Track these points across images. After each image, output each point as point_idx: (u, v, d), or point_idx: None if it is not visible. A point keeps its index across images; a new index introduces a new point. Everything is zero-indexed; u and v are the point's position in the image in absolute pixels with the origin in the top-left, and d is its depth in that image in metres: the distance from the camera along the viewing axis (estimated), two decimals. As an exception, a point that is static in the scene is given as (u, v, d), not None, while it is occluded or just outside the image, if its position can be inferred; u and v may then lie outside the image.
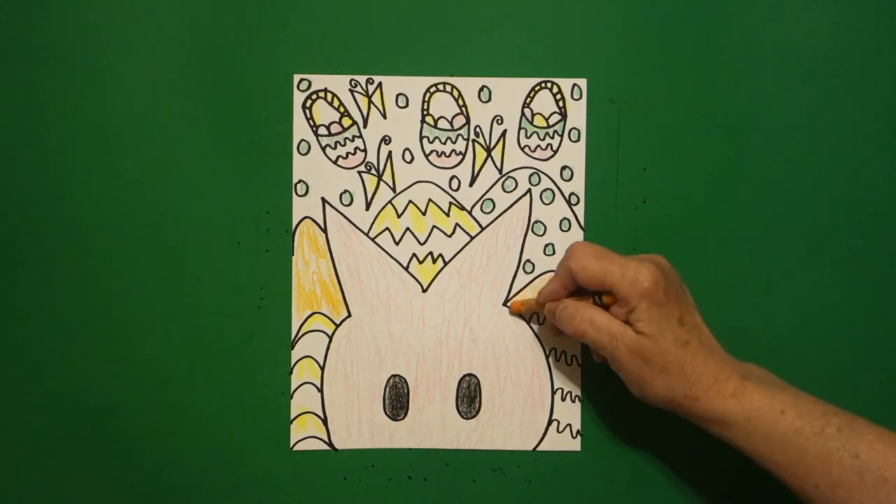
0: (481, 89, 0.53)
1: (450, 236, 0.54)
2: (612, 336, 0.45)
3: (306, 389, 0.54)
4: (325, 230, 0.53)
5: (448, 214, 0.54)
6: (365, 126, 0.53)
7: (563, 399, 0.54)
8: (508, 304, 0.53)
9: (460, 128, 0.53)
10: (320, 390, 0.54)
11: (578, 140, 0.53)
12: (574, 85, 0.53)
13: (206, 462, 0.53)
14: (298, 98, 0.53)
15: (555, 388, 0.54)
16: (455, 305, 0.54)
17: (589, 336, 0.46)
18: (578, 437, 0.54)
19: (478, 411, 0.54)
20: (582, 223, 0.53)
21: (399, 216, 0.53)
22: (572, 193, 0.53)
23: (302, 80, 0.53)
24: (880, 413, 0.54)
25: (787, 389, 0.44)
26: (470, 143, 0.53)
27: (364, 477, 0.54)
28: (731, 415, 0.44)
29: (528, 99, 0.53)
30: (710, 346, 0.46)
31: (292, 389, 0.53)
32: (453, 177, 0.53)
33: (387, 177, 0.53)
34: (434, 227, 0.54)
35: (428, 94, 0.53)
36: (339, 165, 0.53)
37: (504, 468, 0.54)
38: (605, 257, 0.46)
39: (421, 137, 0.53)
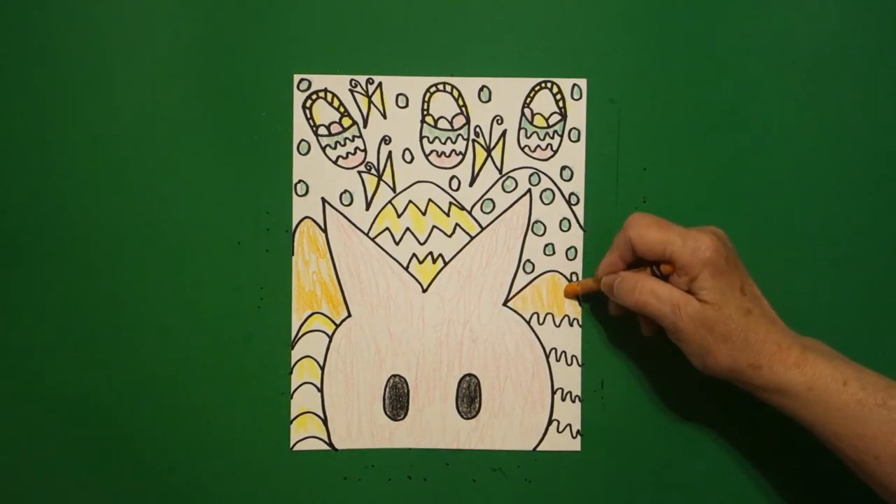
0: (481, 89, 0.53)
1: (450, 236, 0.54)
2: (675, 305, 0.45)
3: (306, 389, 0.54)
4: (325, 230, 0.53)
5: (448, 214, 0.54)
6: (365, 126, 0.53)
7: (563, 399, 0.54)
8: (564, 288, 0.53)
9: (460, 128, 0.53)
10: (320, 390, 0.54)
11: (578, 140, 0.53)
12: (574, 85, 0.53)
13: (206, 462, 0.53)
14: (298, 98, 0.53)
15: (555, 388, 0.54)
16: (455, 305, 0.54)
17: (650, 307, 0.46)
18: (578, 437, 0.54)
19: (478, 411, 0.54)
20: (582, 223, 0.53)
21: (399, 216, 0.53)
22: (572, 193, 0.53)
23: (302, 80, 0.53)
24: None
25: (850, 363, 0.44)
26: (470, 143, 0.53)
27: (364, 477, 0.54)
28: (793, 384, 0.43)
29: (528, 99, 0.53)
30: (772, 317, 0.46)
31: (292, 389, 0.53)
32: (453, 177, 0.53)
33: (387, 177, 0.53)
34: (434, 227, 0.54)
35: (428, 94, 0.53)
36: (339, 165, 0.53)
37: (504, 468, 0.54)
38: (664, 226, 0.46)
39: (421, 137, 0.53)
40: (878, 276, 0.53)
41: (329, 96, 0.53)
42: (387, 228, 0.54)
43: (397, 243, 0.54)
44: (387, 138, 0.53)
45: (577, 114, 0.53)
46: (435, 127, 0.53)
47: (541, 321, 0.54)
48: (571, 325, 0.54)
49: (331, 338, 0.54)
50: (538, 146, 0.53)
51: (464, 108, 0.53)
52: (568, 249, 0.53)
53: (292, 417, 0.54)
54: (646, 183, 0.53)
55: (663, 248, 0.46)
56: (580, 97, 0.53)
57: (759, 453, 0.53)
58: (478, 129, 0.53)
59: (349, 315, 0.54)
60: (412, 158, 0.53)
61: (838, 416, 0.42)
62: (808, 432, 0.44)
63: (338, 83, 0.53)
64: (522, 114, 0.53)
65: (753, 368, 0.44)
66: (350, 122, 0.53)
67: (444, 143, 0.53)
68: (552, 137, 0.53)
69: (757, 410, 0.52)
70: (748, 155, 0.53)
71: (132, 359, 0.53)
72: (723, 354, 0.45)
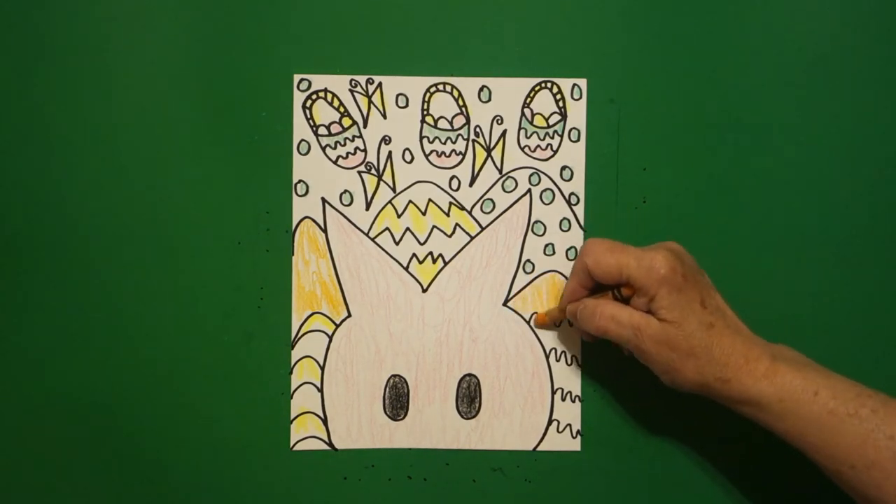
0: (481, 89, 0.53)
1: (450, 236, 0.54)
2: (636, 328, 0.45)
3: (306, 389, 0.54)
4: (325, 230, 0.53)
5: (448, 214, 0.54)
6: (365, 126, 0.53)
7: (563, 399, 0.54)
8: (531, 320, 0.53)
9: (460, 128, 0.53)
10: (320, 390, 0.54)
11: (578, 140, 0.53)
12: (574, 85, 0.53)
13: (206, 462, 0.53)
14: (298, 98, 0.53)
15: (555, 388, 0.54)
16: (455, 305, 0.54)
17: (611, 332, 0.46)
18: (578, 437, 0.54)
19: (478, 411, 0.54)
20: (582, 223, 0.53)
21: (399, 216, 0.53)
22: (572, 193, 0.53)
23: (302, 80, 0.53)
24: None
25: (820, 370, 0.44)
26: (470, 143, 0.53)
27: (364, 477, 0.54)
28: (763, 396, 0.43)
29: (528, 99, 0.53)
30: (736, 327, 0.45)
31: (292, 389, 0.53)
32: (453, 177, 0.53)
33: (387, 177, 0.53)
34: (434, 227, 0.54)
35: (428, 94, 0.53)
36: (339, 165, 0.53)
37: (504, 468, 0.54)
38: (618, 250, 0.46)
39: (421, 137, 0.53)
40: (879, 276, 0.53)
41: (329, 96, 0.53)
42: (387, 228, 0.54)
43: (397, 243, 0.54)
44: (387, 138, 0.53)
45: (577, 114, 0.53)
46: (435, 127, 0.53)
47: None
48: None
49: (331, 338, 0.54)
50: (538, 146, 0.53)
51: (464, 108, 0.53)
52: (568, 249, 0.53)
53: (292, 417, 0.54)
54: (646, 183, 0.53)
55: (619, 272, 0.45)
56: (580, 97, 0.53)
57: (760, 453, 0.53)
58: (478, 129, 0.53)
59: (349, 315, 0.54)
60: (412, 158, 0.53)
61: (811, 427, 0.42)
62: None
63: (338, 83, 0.53)
64: (522, 114, 0.53)
65: (721, 382, 0.44)
66: (350, 122, 0.53)
67: (444, 143, 0.53)
68: (552, 137, 0.53)
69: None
70: (748, 155, 0.53)
71: (132, 359, 0.53)
72: (689, 371, 0.44)
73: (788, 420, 0.43)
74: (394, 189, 0.53)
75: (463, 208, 0.54)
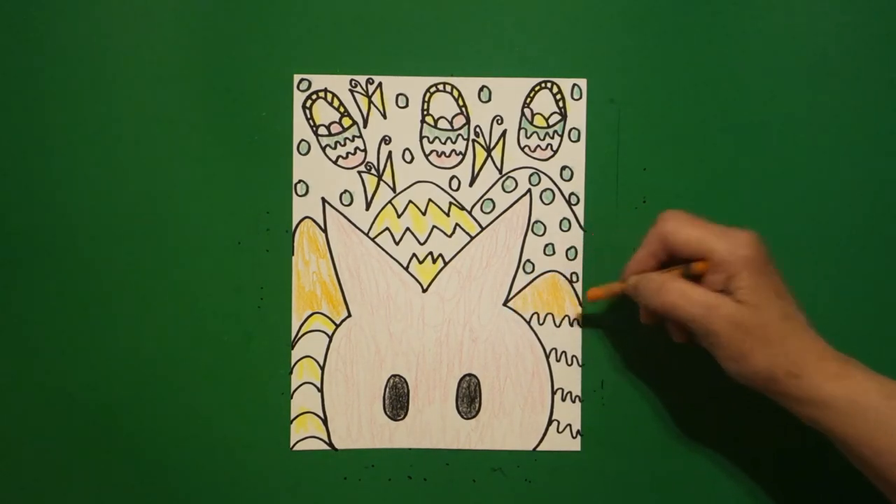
0: (481, 89, 0.53)
1: (450, 236, 0.54)
2: (709, 307, 0.42)
3: (306, 389, 0.54)
4: (325, 230, 0.53)
5: (448, 214, 0.54)
6: (365, 126, 0.53)
7: (563, 399, 0.54)
8: (586, 292, 0.51)
9: (460, 128, 0.53)
10: (320, 390, 0.54)
11: (578, 140, 0.53)
12: (574, 85, 0.53)
13: (206, 462, 0.53)
14: (298, 98, 0.53)
15: (555, 388, 0.54)
16: (455, 305, 0.54)
17: (679, 308, 0.43)
18: (578, 437, 0.54)
19: (478, 411, 0.54)
20: (582, 223, 0.53)
21: (399, 216, 0.53)
22: (572, 193, 0.53)
23: (302, 80, 0.53)
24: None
25: (891, 379, 0.42)
26: (470, 143, 0.53)
27: (364, 477, 0.54)
28: (833, 396, 0.41)
29: (528, 99, 0.53)
30: (808, 325, 0.43)
31: (292, 389, 0.53)
32: (453, 177, 0.53)
33: (387, 177, 0.53)
34: (434, 227, 0.54)
35: (428, 94, 0.53)
36: (339, 165, 0.53)
37: (504, 468, 0.54)
38: (700, 223, 0.44)
39: (421, 137, 0.53)
40: (879, 276, 0.53)
41: (329, 96, 0.53)
42: (387, 228, 0.54)
43: (397, 243, 0.54)
44: (387, 138, 0.53)
45: (577, 114, 0.53)
46: (435, 127, 0.53)
47: (541, 321, 0.54)
48: (571, 325, 0.54)
49: (331, 338, 0.54)
50: (538, 146, 0.53)
51: (464, 108, 0.53)
52: (568, 249, 0.53)
53: (292, 417, 0.54)
54: (646, 183, 0.53)
55: (699, 244, 0.43)
56: (580, 97, 0.53)
57: (760, 453, 0.53)
58: (478, 129, 0.53)
59: (349, 315, 0.54)
60: (412, 158, 0.53)
61: (881, 431, 0.40)
62: (836, 444, 0.42)
63: (338, 83, 0.53)
64: (522, 114, 0.53)
65: (791, 377, 0.41)
66: (350, 122, 0.53)
67: (444, 143, 0.53)
68: (552, 137, 0.53)
69: (756, 411, 0.52)
70: (748, 155, 0.53)
71: (132, 359, 0.53)
72: (760, 360, 0.42)
73: (856, 422, 0.40)
74: (394, 189, 0.53)
75: (463, 208, 0.54)
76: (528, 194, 0.53)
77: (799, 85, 0.53)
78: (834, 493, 0.53)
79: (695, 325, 0.43)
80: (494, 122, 0.53)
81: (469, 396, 0.54)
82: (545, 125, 0.53)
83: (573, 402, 0.54)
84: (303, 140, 0.53)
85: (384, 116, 0.53)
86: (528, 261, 0.54)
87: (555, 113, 0.53)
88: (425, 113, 0.53)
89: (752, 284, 0.42)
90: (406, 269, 0.54)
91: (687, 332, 0.46)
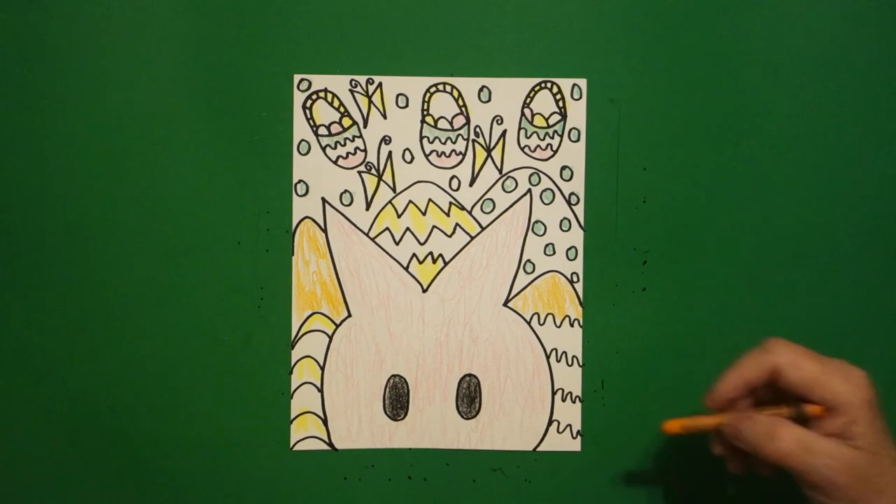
0: (481, 89, 0.53)
1: (450, 236, 0.54)
2: (832, 457, 0.38)
3: (306, 389, 0.54)
4: (325, 230, 0.53)
5: (448, 214, 0.54)
6: (365, 126, 0.53)
7: (563, 399, 0.54)
8: (664, 426, 0.45)
9: (460, 128, 0.53)
10: (320, 390, 0.54)
11: (578, 140, 0.53)
12: (574, 85, 0.53)
13: (206, 462, 0.53)
14: (298, 98, 0.53)
15: (555, 388, 0.54)
16: (455, 305, 0.54)
17: (794, 459, 0.39)
18: (578, 438, 0.54)
19: (478, 411, 0.54)
20: (582, 223, 0.53)
21: (399, 216, 0.53)
22: (572, 193, 0.53)
23: (302, 80, 0.53)
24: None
25: None
26: (470, 143, 0.53)
27: (364, 477, 0.54)
28: None
29: (528, 99, 0.53)
30: None
31: (292, 389, 0.53)
32: (453, 177, 0.53)
33: (387, 177, 0.53)
34: (434, 227, 0.54)
35: (428, 94, 0.53)
36: (339, 165, 0.53)
37: (504, 468, 0.54)
38: (817, 358, 0.40)
39: (421, 137, 0.53)
40: (879, 276, 0.53)
41: (329, 96, 0.53)
42: (387, 228, 0.54)
43: (397, 243, 0.54)
44: (387, 138, 0.53)
45: (577, 114, 0.53)
46: (435, 127, 0.53)
47: (541, 321, 0.54)
48: (572, 325, 0.54)
49: (331, 338, 0.54)
50: (538, 146, 0.53)
51: (464, 108, 0.53)
52: (568, 249, 0.53)
53: (292, 417, 0.54)
54: (646, 183, 0.53)
55: (818, 384, 0.39)
56: (580, 97, 0.53)
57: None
58: (478, 129, 0.53)
59: (349, 315, 0.54)
60: (412, 158, 0.53)
61: None
62: None
63: (338, 83, 0.53)
64: (522, 114, 0.53)
65: None
66: (350, 122, 0.53)
67: (444, 143, 0.53)
68: (552, 137, 0.53)
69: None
70: (748, 155, 0.53)
71: (132, 359, 0.53)
72: None
73: None
74: (394, 189, 0.53)
75: (463, 208, 0.54)
76: (529, 194, 0.53)
77: (799, 85, 0.53)
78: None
79: (813, 477, 0.39)
80: (494, 122, 0.53)
81: (469, 396, 0.54)
82: (545, 125, 0.53)
83: (573, 402, 0.54)
84: (303, 140, 0.53)
85: (384, 116, 0.53)
86: (529, 261, 0.54)
87: (555, 113, 0.53)
88: (425, 113, 0.53)
89: (870, 430, 0.39)
90: (406, 269, 0.54)
91: (736, 450, 0.43)
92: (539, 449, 0.54)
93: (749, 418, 0.41)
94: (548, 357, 0.54)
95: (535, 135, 0.53)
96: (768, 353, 0.41)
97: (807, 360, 0.40)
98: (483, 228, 0.54)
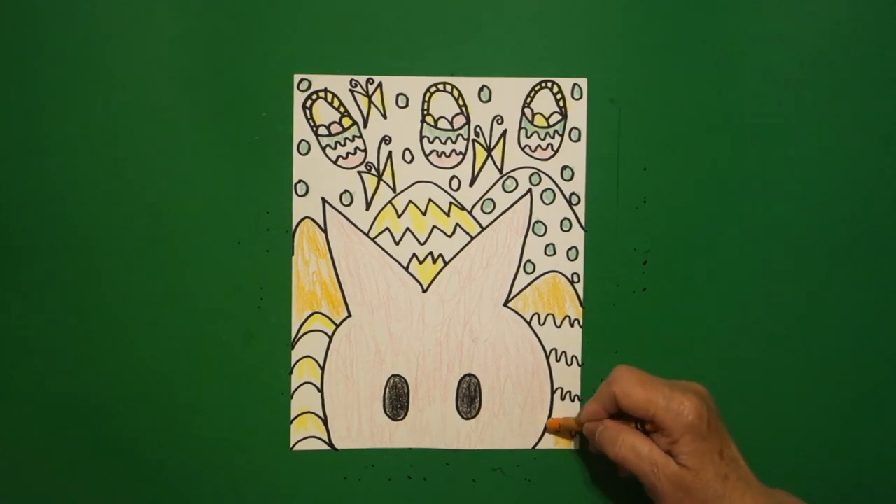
0: (481, 89, 0.53)
1: (450, 236, 0.54)
2: (655, 465, 0.46)
3: (306, 389, 0.54)
4: (325, 230, 0.53)
5: (448, 214, 0.54)
6: (365, 126, 0.53)
7: (563, 399, 0.54)
8: (546, 423, 0.53)
9: (460, 128, 0.53)
10: (320, 390, 0.54)
11: (579, 140, 0.53)
12: (574, 85, 0.53)
13: (206, 462, 0.53)
14: (298, 98, 0.53)
15: (555, 388, 0.54)
16: (455, 305, 0.54)
17: (629, 462, 0.47)
18: (578, 437, 0.54)
19: (478, 411, 0.54)
20: (582, 223, 0.53)
21: (399, 216, 0.53)
22: (573, 193, 0.53)
23: (302, 80, 0.53)
24: (879, 415, 0.54)
25: None
26: (470, 143, 0.53)
27: (364, 477, 0.54)
28: None
29: (529, 99, 0.53)
30: (748, 480, 0.46)
31: (292, 389, 0.53)
32: (453, 177, 0.53)
33: (387, 177, 0.53)
34: (434, 227, 0.54)
35: (428, 94, 0.53)
36: (339, 165, 0.53)
37: (504, 468, 0.54)
38: (649, 386, 0.47)
39: (421, 137, 0.53)
40: (878, 276, 0.53)
41: (329, 96, 0.53)
42: (387, 228, 0.53)
43: (397, 243, 0.53)
44: (387, 138, 0.53)
45: (578, 113, 0.53)
46: (435, 127, 0.53)
47: (541, 321, 0.54)
48: (572, 325, 0.54)
49: (331, 338, 0.54)
50: (538, 146, 0.53)
51: (464, 108, 0.53)
52: (569, 249, 0.53)
53: (292, 417, 0.54)
54: (646, 183, 0.53)
55: (646, 408, 0.46)
56: (580, 97, 0.53)
57: (759, 453, 0.53)
58: (478, 129, 0.53)
59: (349, 315, 0.54)
60: (412, 158, 0.53)
61: None
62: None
63: (338, 83, 0.53)
64: (523, 113, 0.53)
65: None
66: (350, 122, 0.53)
67: (445, 143, 0.53)
68: (552, 137, 0.53)
69: (756, 411, 0.52)
70: (748, 155, 0.53)
71: (132, 358, 0.53)
72: None
73: None
74: (394, 189, 0.53)
75: (463, 208, 0.54)
76: (529, 194, 0.53)
77: (799, 85, 0.53)
78: (834, 492, 0.53)
79: (642, 478, 0.47)
80: (495, 122, 0.53)
81: (469, 396, 0.54)
82: (545, 125, 0.53)
83: (573, 401, 0.54)
84: (303, 140, 0.53)
85: (384, 116, 0.53)
86: (529, 261, 0.54)
87: (555, 112, 0.53)
88: (425, 113, 0.53)
89: (693, 450, 0.45)
90: (406, 269, 0.54)
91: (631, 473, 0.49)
92: (539, 448, 0.54)
93: (602, 424, 0.49)
94: (547, 357, 0.54)
95: (535, 134, 0.53)
96: (611, 383, 0.48)
97: (638, 389, 0.47)
98: (483, 228, 0.54)
